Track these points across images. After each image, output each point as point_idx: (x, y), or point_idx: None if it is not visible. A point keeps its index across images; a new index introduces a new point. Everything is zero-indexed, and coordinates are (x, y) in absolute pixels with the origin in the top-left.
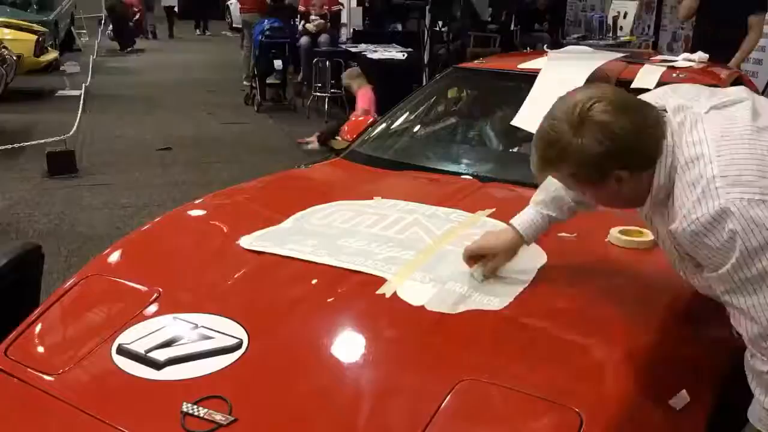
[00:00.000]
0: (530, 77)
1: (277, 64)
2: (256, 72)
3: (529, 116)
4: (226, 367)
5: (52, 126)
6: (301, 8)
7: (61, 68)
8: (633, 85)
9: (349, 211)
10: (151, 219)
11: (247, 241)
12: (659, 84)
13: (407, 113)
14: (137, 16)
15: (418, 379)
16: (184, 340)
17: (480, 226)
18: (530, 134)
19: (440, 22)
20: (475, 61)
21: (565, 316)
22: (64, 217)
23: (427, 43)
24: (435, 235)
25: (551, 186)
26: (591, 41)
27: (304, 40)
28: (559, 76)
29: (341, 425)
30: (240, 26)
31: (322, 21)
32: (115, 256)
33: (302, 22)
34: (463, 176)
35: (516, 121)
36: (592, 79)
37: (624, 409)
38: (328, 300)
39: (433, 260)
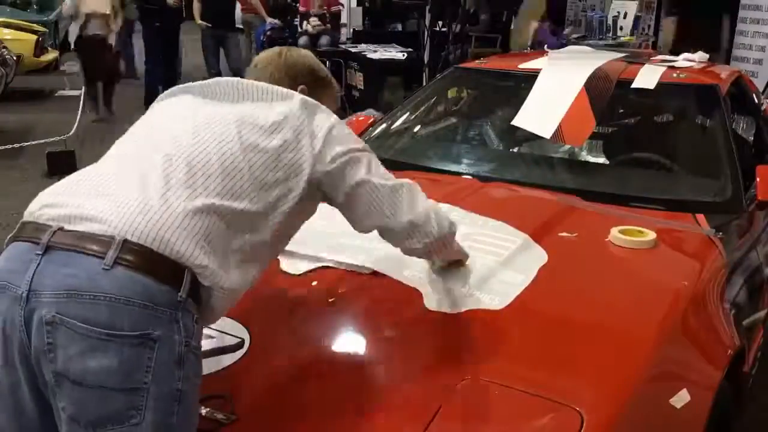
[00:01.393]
0: (531, 77)
1: None
2: None
3: (530, 116)
4: (227, 366)
5: (52, 126)
6: (302, 9)
7: (61, 68)
8: (633, 85)
9: None
10: None
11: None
12: (660, 84)
13: (407, 113)
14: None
15: (419, 378)
16: None
17: (481, 227)
18: (531, 134)
19: (440, 23)
20: (476, 61)
21: (566, 316)
22: None
23: (427, 43)
24: None
25: None
26: (591, 41)
27: (302, 40)
28: (560, 76)
29: (342, 424)
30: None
31: (320, 23)
32: None
33: (304, 22)
34: (463, 176)
35: (517, 121)
36: (592, 79)
37: (625, 409)
38: (330, 300)
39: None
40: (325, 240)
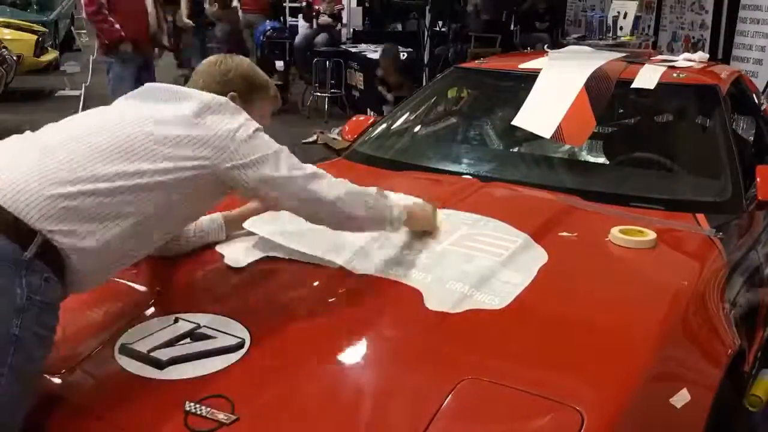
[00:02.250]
0: (530, 77)
1: (279, 65)
2: None
3: (531, 116)
4: (228, 366)
5: None
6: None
7: (61, 68)
8: (633, 85)
9: None
10: None
11: (250, 242)
12: (660, 84)
13: (407, 113)
14: None
15: (420, 379)
16: (187, 340)
17: (481, 227)
18: (531, 134)
19: (440, 22)
20: (476, 61)
21: (566, 316)
22: None
23: (427, 43)
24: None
25: None
26: (591, 41)
27: (298, 38)
28: (560, 76)
29: (343, 424)
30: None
31: (330, 19)
32: None
33: (313, 18)
34: (464, 176)
35: (517, 121)
36: (592, 79)
37: (625, 408)
38: (330, 300)
39: (434, 259)
40: (325, 237)
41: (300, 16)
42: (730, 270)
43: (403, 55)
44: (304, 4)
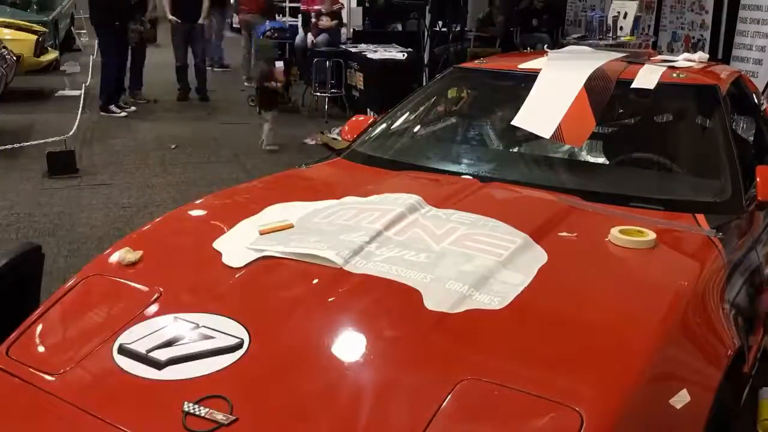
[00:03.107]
0: (530, 77)
1: (279, 65)
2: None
3: (531, 116)
4: (227, 366)
5: (52, 126)
6: (303, 7)
7: (61, 68)
8: (633, 85)
9: (352, 209)
10: (151, 219)
11: (248, 242)
12: (660, 84)
13: (407, 113)
14: None
15: (419, 379)
16: (185, 340)
17: (481, 227)
18: (531, 134)
19: (440, 22)
20: (476, 61)
21: (566, 316)
22: (64, 217)
23: (427, 43)
24: (435, 236)
25: None
26: (591, 41)
27: (298, 38)
28: (560, 76)
29: (342, 425)
30: (239, 27)
31: (330, 21)
32: (115, 256)
33: (311, 20)
34: (463, 176)
35: (517, 121)
36: (592, 79)
37: (624, 409)
38: (329, 300)
39: (433, 260)
40: (325, 237)
41: (300, 17)
42: (729, 270)
43: (403, 55)
44: (308, 12)
